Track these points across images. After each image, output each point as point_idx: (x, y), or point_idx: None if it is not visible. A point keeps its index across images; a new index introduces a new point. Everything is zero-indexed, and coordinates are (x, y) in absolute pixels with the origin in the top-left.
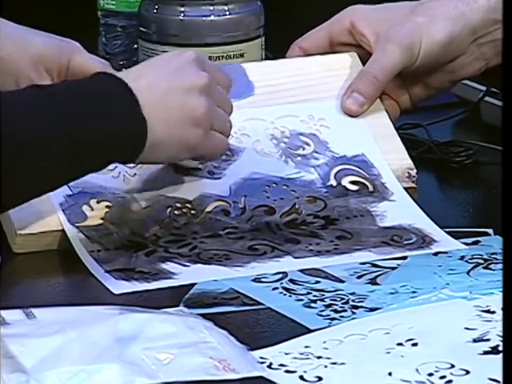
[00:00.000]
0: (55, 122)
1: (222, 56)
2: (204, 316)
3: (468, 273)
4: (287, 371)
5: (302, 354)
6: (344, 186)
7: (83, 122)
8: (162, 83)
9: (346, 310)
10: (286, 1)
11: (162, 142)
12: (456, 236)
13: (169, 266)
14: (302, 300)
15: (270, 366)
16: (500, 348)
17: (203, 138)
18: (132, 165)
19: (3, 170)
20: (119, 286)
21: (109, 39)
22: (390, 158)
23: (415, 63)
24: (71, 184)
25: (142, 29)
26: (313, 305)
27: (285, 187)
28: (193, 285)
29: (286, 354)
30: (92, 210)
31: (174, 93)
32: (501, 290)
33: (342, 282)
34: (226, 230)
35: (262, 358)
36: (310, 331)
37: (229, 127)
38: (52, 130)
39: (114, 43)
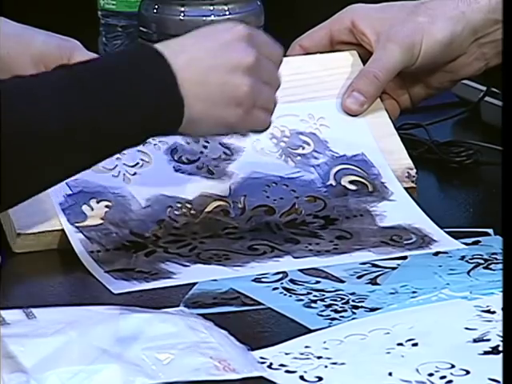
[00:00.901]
0: (78, 108)
1: None
2: (204, 316)
3: (468, 273)
4: (287, 371)
5: (302, 354)
6: (344, 186)
7: (109, 105)
8: (204, 60)
9: (346, 310)
10: (285, 1)
11: (200, 120)
12: (456, 236)
13: (168, 266)
14: (302, 300)
15: (270, 366)
16: (500, 348)
17: (243, 118)
18: (132, 164)
19: (28, 156)
20: (119, 286)
21: (109, 39)
22: (390, 157)
23: (416, 63)
24: (71, 183)
25: (141, 29)
26: (313, 305)
27: (284, 187)
28: (193, 285)
29: (287, 354)
30: (92, 209)
31: (216, 71)
32: (501, 290)
33: (342, 282)
34: (226, 230)
35: (262, 358)
36: (310, 331)
37: (273, 104)
38: (76, 116)
39: (114, 43)
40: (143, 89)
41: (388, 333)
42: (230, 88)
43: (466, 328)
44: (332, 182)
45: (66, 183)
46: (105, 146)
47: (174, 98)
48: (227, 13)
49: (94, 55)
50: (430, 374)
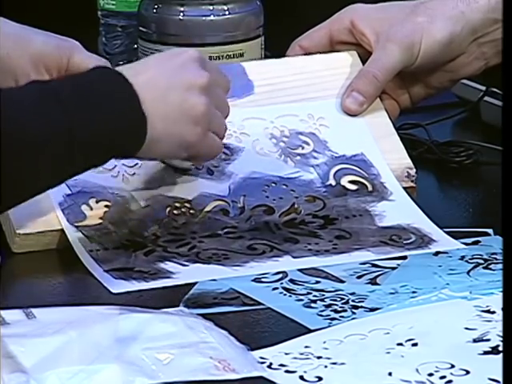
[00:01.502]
0: (55, 118)
1: (222, 56)
2: (204, 316)
3: (468, 273)
4: (287, 371)
5: (302, 354)
6: (343, 186)
7: (84, 117)
8: (162, 80)
9: (346, 310)
10: (285, 0)
11: (161, 139)
12: (456, 236)
13: (168, 266)
14: (302, 300)
15: (270, 366)
16: (500, 348)
17: (201, 137)
18: (131, 164)
19: (3, 167)
20: (118, 286)
21: (109, 39)
22: (390, 157)
23: (415, 63)
24: (70, 183)
25: (141, 29)
26: (313, 305)
27: (284, 187)
28: (193, 285)
29: (286, 354)
30: (91, 209)
31: (174, 90)
32: (501, 290)
33: (342, 282)
34: (225, 230)
35: (262, 358)
36: (310, 331)
37: (224, 130)
38: (52, 127)
39: (114, 43)
40: (110, 106)
41: (388, 333)
42: (188, 106)
43: (466, 328)
44: (331, 181)
45: (66, 183)
46: (82, 154)
47: (138, 115)
48: (227, 12)
49: (94, 55)
50: (430, 374)
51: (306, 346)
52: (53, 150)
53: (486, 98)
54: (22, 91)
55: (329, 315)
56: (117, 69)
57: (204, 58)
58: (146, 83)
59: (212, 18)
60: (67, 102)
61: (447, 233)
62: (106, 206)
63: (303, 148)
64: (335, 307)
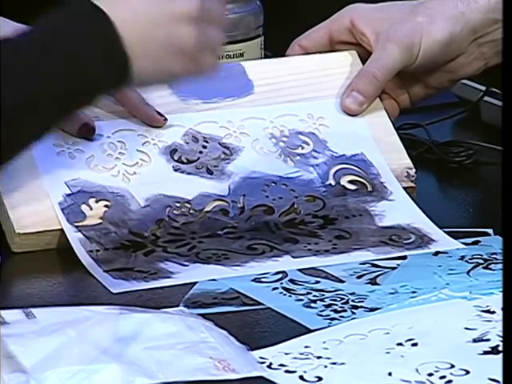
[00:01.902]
0: (30, 80)
1: (222, 55)
2: (204, 316)
3: (468, 273)
4: (287, 371)
5: (301, 354)
6: (343, 186)
7: (61, 75)
8: (147, 14)
9: (345, 310)
10: (285, 0)
11: (146, 74)
12: (456, 236)
13: (167, 266)
14: (301, 300)
15: (269, 366)
16: (500, 348)
17: (189, 66)
18: (131, 163)
19: None
20: (118, 286)
21: None
22: (389, 157)
23: (415, 63)
24: (70, 183)
25: None
26: (313, 305)
27: (284, 186)
28: (193, 285)
29: (286, 354)
30: (91, 209)
31: (160, 25)
32: (501, 290)
33: (342, 282)
34: (225, 230)
35: (261, 358)
36: (310, 331)
37: (219, 45)
38: (29, 88)
39: None
40: (89, 50)
41: (388, 333)
42: (176, 41)
43: (466, 328)
44: (331, 181)
45: (66, 183)
46: (60, 108)
47: (122, 59)
48: (226, 12)
49: None
50: (430, 374)
51: (306, 346)
52: (39, 108)
53: (486, 98)
54: None
55: (329, 315)
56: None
57: None
58: (131, 20)
59: None
60: (39, 63)
61: (447, 233)
62: (106, 206)
63: (303, 148)
64: (335, 307)
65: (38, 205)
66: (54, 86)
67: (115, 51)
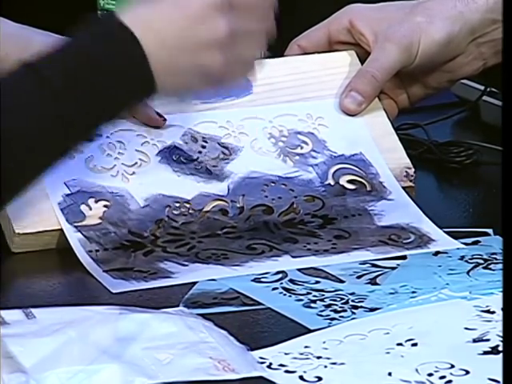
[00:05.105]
0: (51, 108)
1: None
2: (204, 316)
3: (468, 273)
4: (287, 371)
5: (301, 354)
6: (342, 185)
7: (86, 103)
8: (172, 39)
9: (345, 310)
10: (285, 0)
11: (170, 94)
12: (456, 236)
13: (167, 266)
14: (301, 300)
15: (269, 366)
16: (500, 348)
17: (216, 87)
18: (130, 163)
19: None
20: (117, 286)
21: None
22: (388, 157)
23: (414, 63)
24: (70, 183)
25: None
26: (312, 305)
27: (283, 186)
28: (193, 285)
29: (286, 354)
30: (90, 209)
31: (185, 53)
32: (501, 290)
33: (342, 282)
34: (224, 230)
35: (261, 358)
36: (310, 331)
37: (253, 60)
38: (52, 122)
39: None
40: (119, 77)
41: (388, 333)
42: (201, 68)
43: (466, 328)
44: (330, 181)
45: (65, 183)
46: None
47: (149, 84)
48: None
49: None
50: (430, 374)
51: (306, 346)
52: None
53: (486, 98)
54: (14, 82)
55: (328, 315)
56: (123, 19)
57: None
58: (158, 47)
59: None
60: (62, 93)
61: (447, 233)
62: (106, 206)
63: (302, 148)
64: (335, 307)
65: (37, 205)
66: (77, 114)
67: (142, 75)
